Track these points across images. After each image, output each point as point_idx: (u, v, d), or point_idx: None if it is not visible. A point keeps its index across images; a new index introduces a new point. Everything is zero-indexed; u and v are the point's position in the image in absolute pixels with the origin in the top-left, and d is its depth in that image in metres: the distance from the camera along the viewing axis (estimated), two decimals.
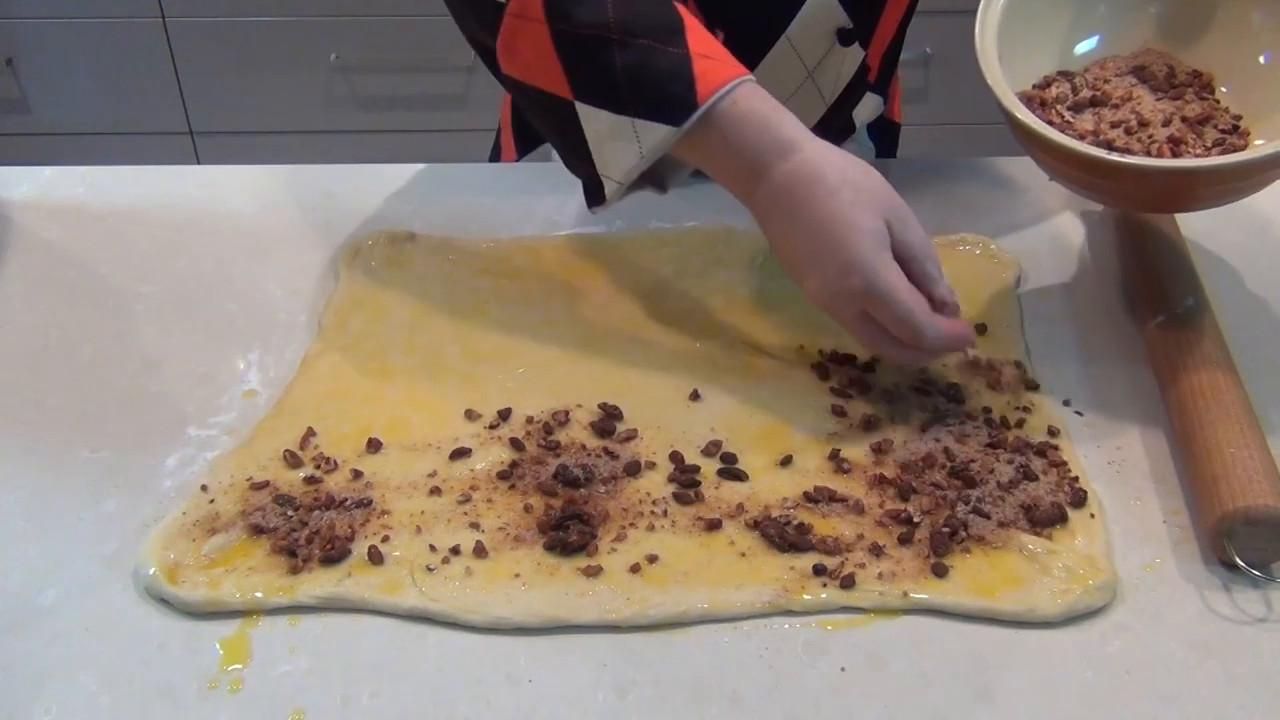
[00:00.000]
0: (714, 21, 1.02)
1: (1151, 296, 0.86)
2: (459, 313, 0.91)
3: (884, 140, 1.25)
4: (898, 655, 0.65)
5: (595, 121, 0.79)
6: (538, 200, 1.04)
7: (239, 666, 0.64)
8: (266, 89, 2.31)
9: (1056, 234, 1.01)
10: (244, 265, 0.97)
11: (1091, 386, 0.84)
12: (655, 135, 0.77)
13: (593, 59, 0.78)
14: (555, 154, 1.08)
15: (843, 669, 0.64)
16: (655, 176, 0.85)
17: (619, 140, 0.79)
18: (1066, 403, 0.82)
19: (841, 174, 0.76)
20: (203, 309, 0.92)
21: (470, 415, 0.80)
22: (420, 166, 1.10)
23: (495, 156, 1.24)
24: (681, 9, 0.79)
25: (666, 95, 0.76)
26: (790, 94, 1.06)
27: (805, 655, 0.65)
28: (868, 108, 1.15)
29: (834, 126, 1.12)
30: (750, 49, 1.03)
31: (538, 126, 0.88)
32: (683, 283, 0.94)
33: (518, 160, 1.17)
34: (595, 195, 0.83)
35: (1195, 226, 0.97)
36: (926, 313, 0.76)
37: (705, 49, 0.77)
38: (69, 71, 2.30)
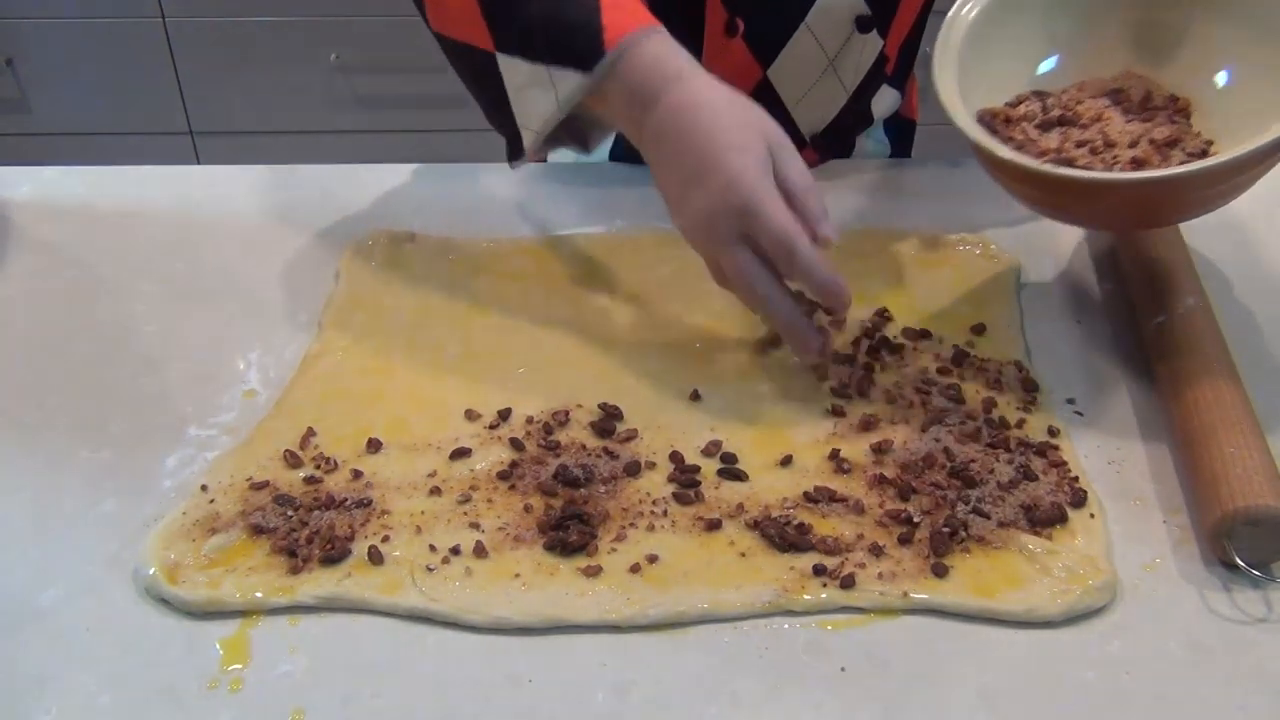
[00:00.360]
0: (735, 10, 1.02)
1: (1151, 296, 0.86)
2: (459, 313, 0.91)
3: (900, 138, 1.24)
4: (898, 655, 0.65)
5: (514, 73, 0.82)
6: (538, 200, 1.04)
7: (239, 666, 0.64)
8: (266, 89, 2.31)
9: (1056, 234, 1.01)
10: (244, 265, 0.97)
11: (1091, 387, 0.84)
12: (569, 83, 0.79)
13: (510, 9, 0.81)
14: (552, 154, 1.08)
15: (842, 669, 0.64)
16: (578, 134, 0.85)
17: (536, 89, 0.81)
18: (1068, 402, 0.82)
19: (727, 100, 0.78)
20: (203, 309, 0.92)
21: (470, 415, 0.81)
22: (420, 166, 1.10)
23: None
24: None
25: (577, 43, 0.78)
26: (813, 83, 1.07)
27: (805, 655, 0.65)
28: (885, 102, 1.15)
29: (853, 116, 1.13)
30: (771, 38, 1.04)
31: (464, 83, 0.89)
32: (683, 283, 0.94)
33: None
34: (516, 149, 0.85)
35: (1195, 226, 0.97)
36: (804, 238, 0.76)
37: (615, 2, 0.79)
38: (69, 71, 2.30)
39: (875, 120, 1.17)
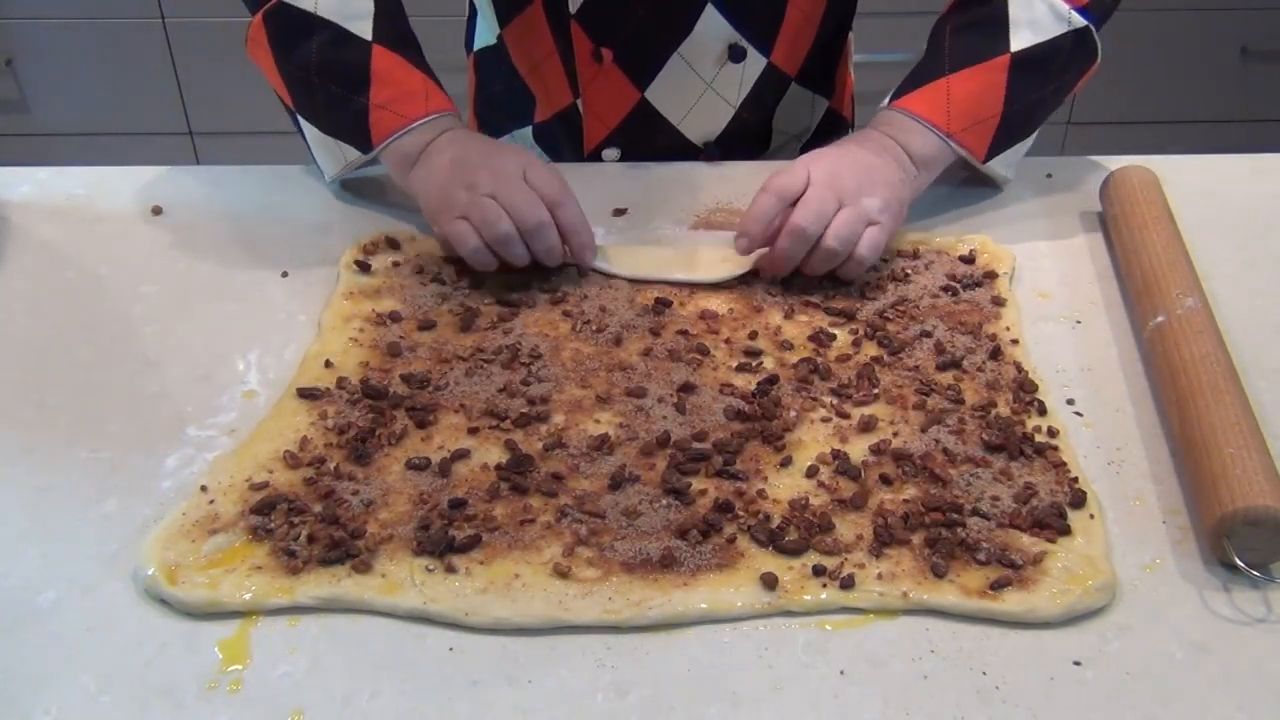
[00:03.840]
0: (599, 41, 1.07)
1: (1151, 296, 0.86)
2: (458, 313, 0.91)
3: (832, 137, 1.25)
4: (898, 655, 0.65)
5: (310, 130, 1.03)
6: None
7: (238, 667, 0.64)
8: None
9: (1056, 234, 1.01)
10: (244, 265, 0.97)
11: (1091, 387, 0.84)
12: (351, 153, 1.01)
13: (303, 89, 1.00)
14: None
15: (842, 670, 0.64)
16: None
17: (327, 150, 1.02)
18: (1068, 402, 0.82)
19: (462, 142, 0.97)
20: (203, 309, 0.92)
21: (469, 415, 0.81)
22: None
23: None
24: (380, 57, 0.97)
25: (352, 132, 0.99)
26: (694, 103, 1.12)
27: (805, 655, 0.65)
28: (797, 107, 1.18)
29: (751, 128, 1.14)
30: (643, 65, 1.09)
31: None
32: (683, 283, 0.94)
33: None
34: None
35: (1195, 226, 0.97)
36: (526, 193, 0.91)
37: (385, 99, 0.97)
38: (69, 71, 2.30)
39: (802, 130, 1.21)
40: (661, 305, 0.92)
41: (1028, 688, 0.63)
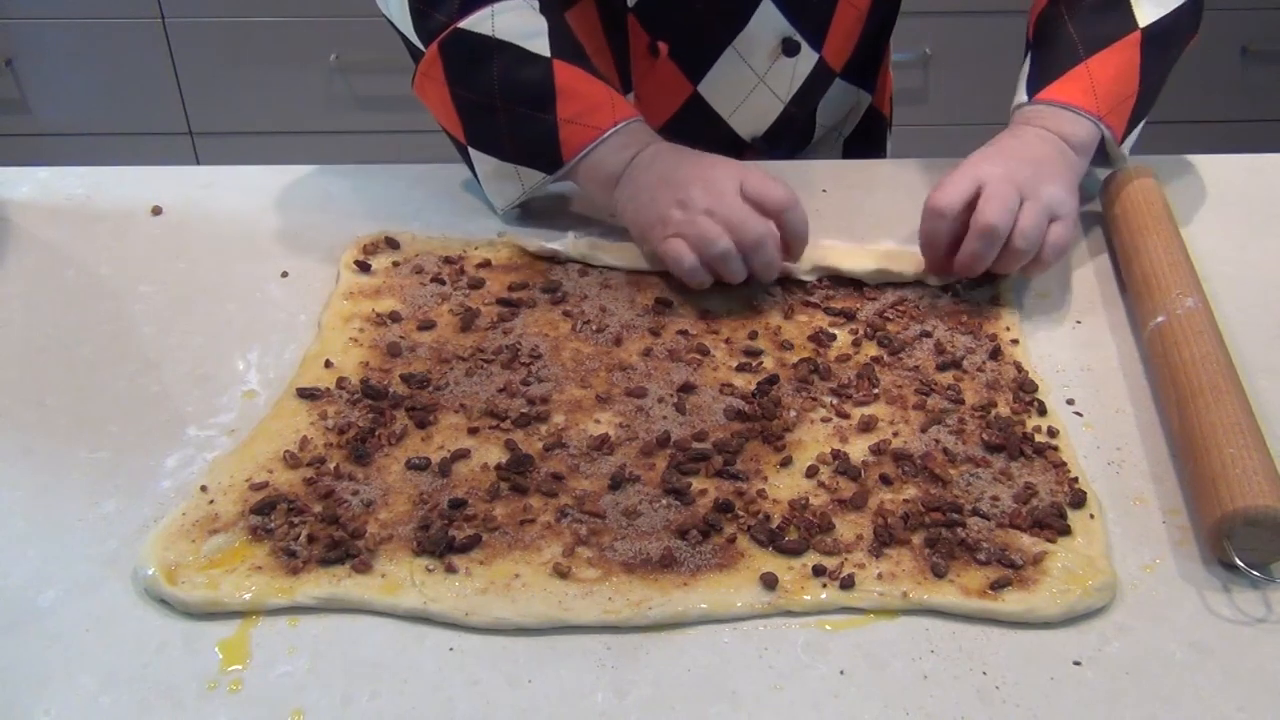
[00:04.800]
0: (656, 35, 1.07)
1: (1151, 296, 0.86)
2: (458, 313, 0.91)
3: (872, 133, 1.25)
4: (898, 655, 0.65)
5: (484, 163, 0.99)
6: (537, 200, 1.04)
7: (238, 667, 0.64)
8: (266, 89, 2.31)
9: None
10: (244, 265, 0.97)
11: (1091, 387, 0.84)
12: (534, 178, 0.98)
13: (482, 119, 0.97)
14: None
15: (842, 670, 0.64)
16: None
17: (503, 180, 0.99)
18: (1068, 403, 0.82)
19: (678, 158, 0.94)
20: (203, 309, 0.92)
21: (469, 415, 0.81)
22: (420, 166, 1.10)
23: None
24: (562, 71, 0.94)
25: (540, 153, 0.96)
26: (745, 97, 1.12)
27: (805, 655, 0.65)
28: (841, 102, 1.17)
29: (797, 122, 1.15)
30: (697, 59, 1.10)
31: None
32: (682, 283, 0.94)
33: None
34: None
35: (1195, 226, 0.97)
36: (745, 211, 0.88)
37: (572, 113, 0.94)
38: (69, 71, 2.30)
39: (838, 125, 1.21)
40: (661, 305, 0.92)
41: (1028, 688, 0.63)
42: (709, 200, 0.89)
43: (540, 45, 0.95)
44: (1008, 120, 0.99)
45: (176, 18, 2.24)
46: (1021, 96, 0.99)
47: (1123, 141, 0.99)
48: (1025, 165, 0.91)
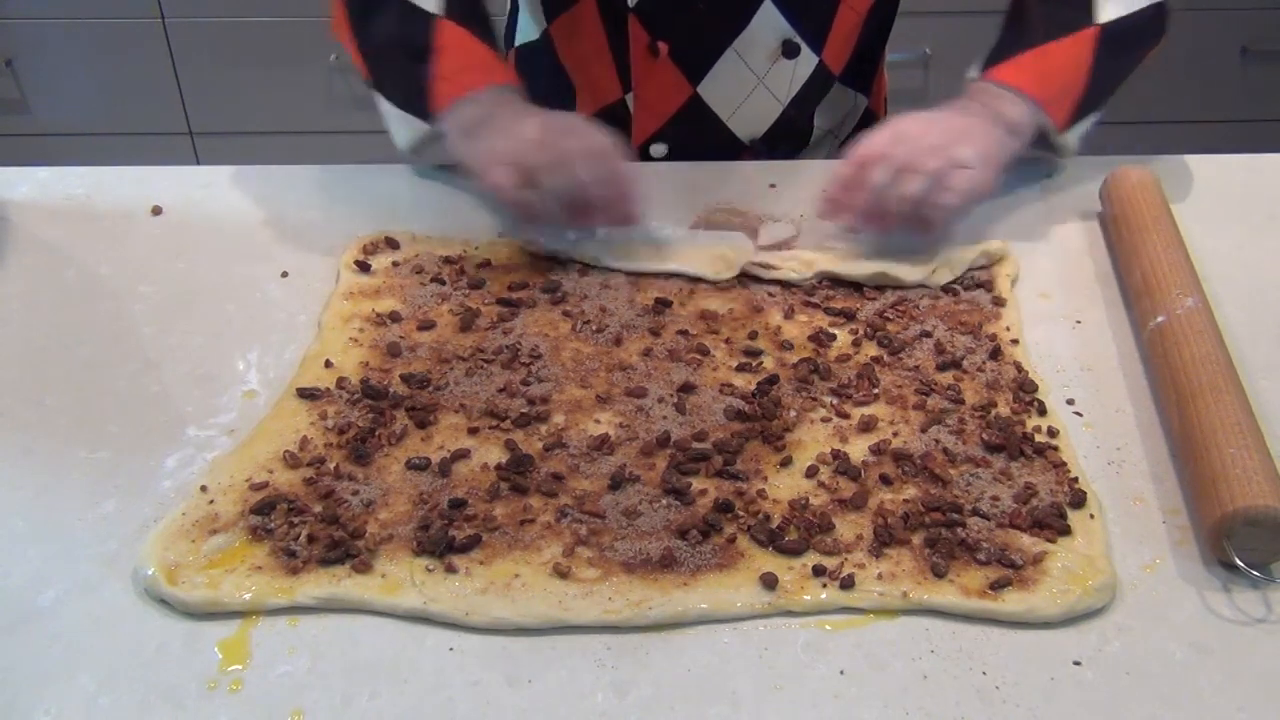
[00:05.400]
0: (657, 35, 1.08)
1: (1151, 296, 0.86)
2: (458, 313, 0.91)
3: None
4: (898, 655, 0.65)
5: (383, 104, 1.04)
6: None
7: (238, 667, 0.64)
8: (266, 89, 2.31)
9: (1056, 234, 1.01)
10: (244, 265, 0.97)
11: (1091, 387, 0.84)
12: (418, 124, 1.02)
13: (378, 65, 1.03)
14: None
15: (842, 670, 0.64)
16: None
17: (400, 122, 1.03)
18: (1068, 402, 0.82)
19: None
20: (203, 309, 0.92)
21: (469, 415, 0.81)
22: (420, 167, 1.10)
23: None
24: (445, 30, 0.98)
25: (415, 104, 1.01)
26: (744, 98, 1.13)
27: (805, 655, 0.65)
28: (839, 105, 1.17)
29: (796, 125, 1.15)
30: (698, 60, 1.10)
31: None
32: (681, 284, 0.94)
33: None
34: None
35: (1195, 227, 0.97)
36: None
37: (448, 70, 0.98)
38: (69, 71, 2.30)
39: (836, 127, 1.21)
40: (661, 305, 0.92)
41: (1028, 688, 0.63)
42: (537, 133, 0.93)
43: (429, 2, 0.99)
44: None
45: (176, 18, 2.24)
46: (973, 72, 1.01)
47: (1065, 131, 1.00)
48: (948, 129, 0.94)
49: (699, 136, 1.14)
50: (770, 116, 1.15)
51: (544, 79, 1.17)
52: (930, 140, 0.91)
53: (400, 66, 1.01)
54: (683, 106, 1.12)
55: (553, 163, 0.91)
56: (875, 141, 0.93)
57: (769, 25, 1.08)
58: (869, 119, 1.24)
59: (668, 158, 1.15)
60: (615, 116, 1.14)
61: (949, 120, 0.95)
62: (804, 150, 1.21)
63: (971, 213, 0.94)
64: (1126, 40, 1.00)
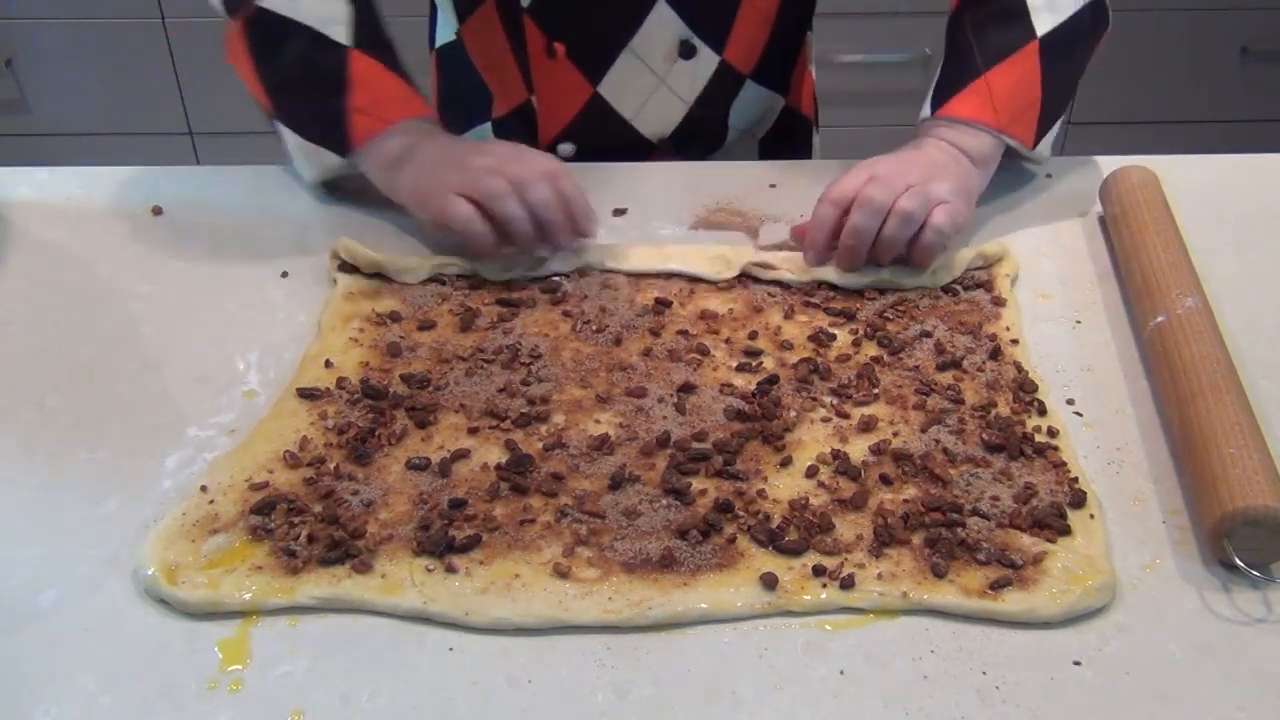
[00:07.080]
0: (553, 36, 1.08)
1: (1151, 296, 0.86)
2: (458, 313, 0.91)
3: (794, 134, 1.25)
4: (898, 655, 0.65)
5: (289, 137, 1.02)
6: None
7: (238, 667, 0.64)
8: None
9: (1056, 234, 1.01)
10: (244, 265, 0.97)
11: (1091, 387, 0.84)
12: (331, 159, 1.00)
13: (283, 96, 1.00)
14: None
15: (842, 670, 0.64)
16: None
17: (307, 155, 1.02)
18: (1068, 402, 0.82)
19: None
20: (203, 309, 0.92)
21: (469, 415, 0.81)
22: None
23: None
24: (358, 61, 0.97)
25: (331, 137, 0.99)
26: (646, 98, 1.13)
27: (805, 655, 0.65)
28: (754, 105, 1.18)
29: (706, 124, 1.15)
30: (595, 60, 1.11)
31: None
32: (681, 284, 0.94)
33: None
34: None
35: (1195, 227, 0.97)
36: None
37: (363, 103, 0.97)
38: (69, 71, 2.30)
39: (752, 128, 1.21)
40: (661, 305, 0.92)
41: (1028, 688, 0.63)
42: (486, 160, 0.94)
43: (339, 33, 0.97)
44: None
45: (176, 18, 2.24)
46: (925, 111, 1.01)
47: (1035, 145, 1.00)
48: (919, 167, 0.93)
49: (605, 136, 1.14)
50: (676, 116, 1.15)
51: (463, 79, 1.18)
52: (906, 179, 0.91)
53: (311, 98, 0.99)
54: (585, 106, 1.13)
55: (510, 189, 0.91)
56: (849, 183, 0.92)
57: (664, 25, 1.08)
58: (790, 117, 1.23)
59: (576, 157, 1.14)
60: (525, 117, 1.15)
61: (918, 158, 0.95)
62: (719, 150, 1.21)
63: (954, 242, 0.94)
64: (1070, 42, 1.00)
